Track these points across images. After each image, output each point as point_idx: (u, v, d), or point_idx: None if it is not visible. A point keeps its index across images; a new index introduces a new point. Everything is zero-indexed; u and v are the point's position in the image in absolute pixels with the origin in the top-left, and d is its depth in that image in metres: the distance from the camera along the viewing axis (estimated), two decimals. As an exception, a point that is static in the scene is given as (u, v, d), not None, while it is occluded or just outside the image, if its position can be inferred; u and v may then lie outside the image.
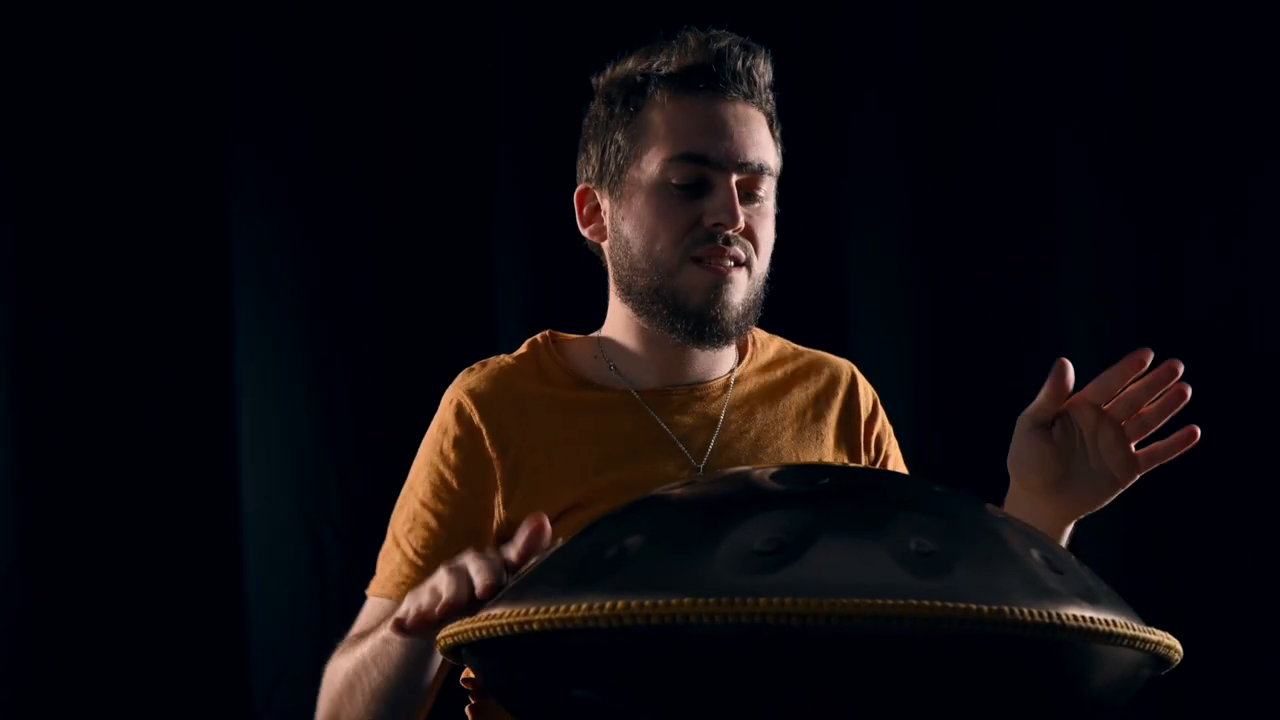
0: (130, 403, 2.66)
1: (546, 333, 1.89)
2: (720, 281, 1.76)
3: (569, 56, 2.78)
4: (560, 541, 1.34)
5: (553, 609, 1.17)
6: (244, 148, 2.71)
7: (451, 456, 1.78)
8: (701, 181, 1.76)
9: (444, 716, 1.90)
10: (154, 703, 2.62)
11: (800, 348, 1.95)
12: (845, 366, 1.94)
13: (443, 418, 1.82)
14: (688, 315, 1.77)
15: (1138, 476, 1.67)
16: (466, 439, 1.79)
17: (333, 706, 1.68)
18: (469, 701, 1.85)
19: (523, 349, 1.88)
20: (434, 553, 1.74)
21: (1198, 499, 2.83)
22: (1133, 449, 1.66)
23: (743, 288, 1.78)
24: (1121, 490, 1.68)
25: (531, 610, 1.18)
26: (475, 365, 1.86)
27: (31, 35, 2.63)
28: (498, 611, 1.21)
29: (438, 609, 1.38)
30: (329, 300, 2.75)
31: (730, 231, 1.75)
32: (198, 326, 2.68)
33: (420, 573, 1.73)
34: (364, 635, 1.69)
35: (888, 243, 2.88)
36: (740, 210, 1.76)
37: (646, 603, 1.13)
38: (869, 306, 2.86)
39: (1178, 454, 1.67)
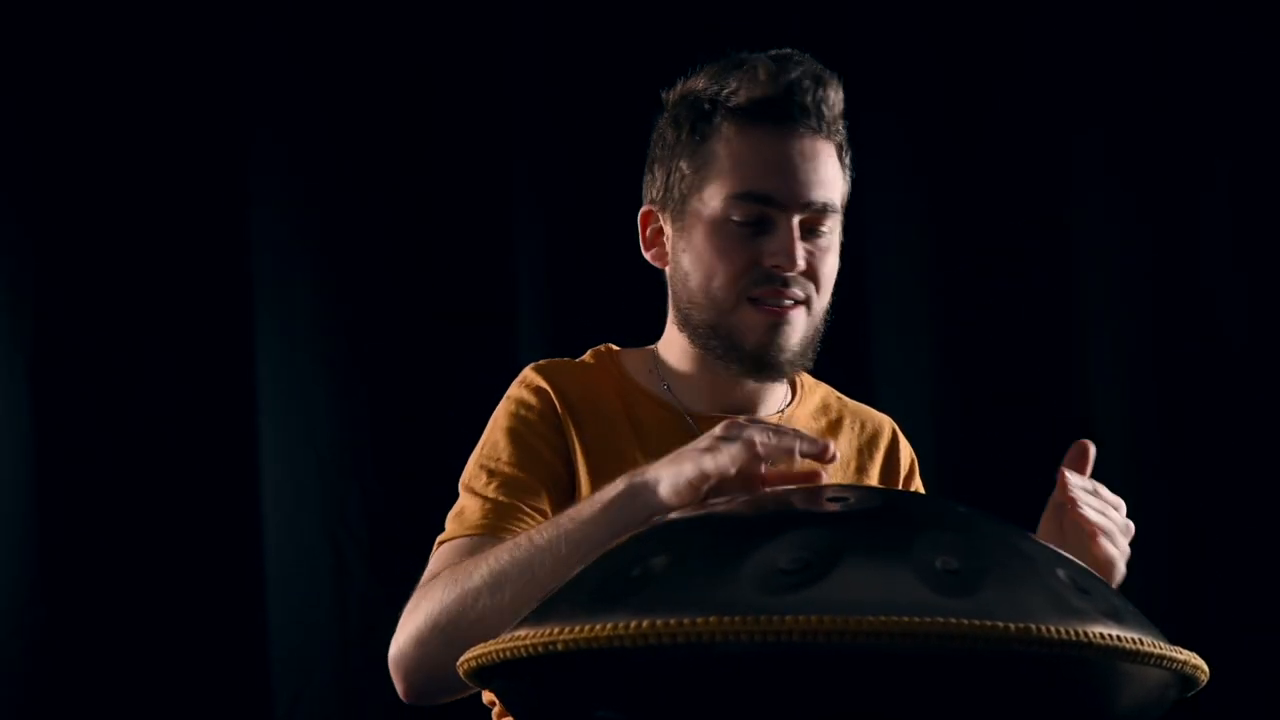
0: (151, 415, 2.66)
1: (606, 345, 1.89)
2: (778, 323, 1.74)
3: (585, 54, 2.80)
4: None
5: (577, 629, 1.17)
6: (263, 160, 2.71)
7: (533, 420, 1.76)
8: (763, 220, 1.73)
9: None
10: (176, 715, 2.62)
11: (844, 397, 1.93)
12: (887, 422, 1.92)
13: (516, 394, 1.79)
14: (743, 354, 1.76)
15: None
16: (545, 408, 1.77)
17: (454, 607, 1.57)
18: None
19: (587, 357, 1.87)
20: (517, 501, 1.71)
21: (1218, 511, 2.82)
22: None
23: (801, 326, 1.75)
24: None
25: (556, 631, 1.18)
26: (544, 360, 1.85)
27: (50, 41, 2.64)
28: (521, 633, 1.21)
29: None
30: (350, 313, 2.75)
31: (790, 273, 1.73)
32: (218, 337, 2.68)
33: (504, 516, 1.68)
34: (483, 551, 1.61)
35: (904, 242, 2.88)
36: (800, 250, 1.73)
37: (672, 622, 1.13)
38: (888, 308, 2.86)
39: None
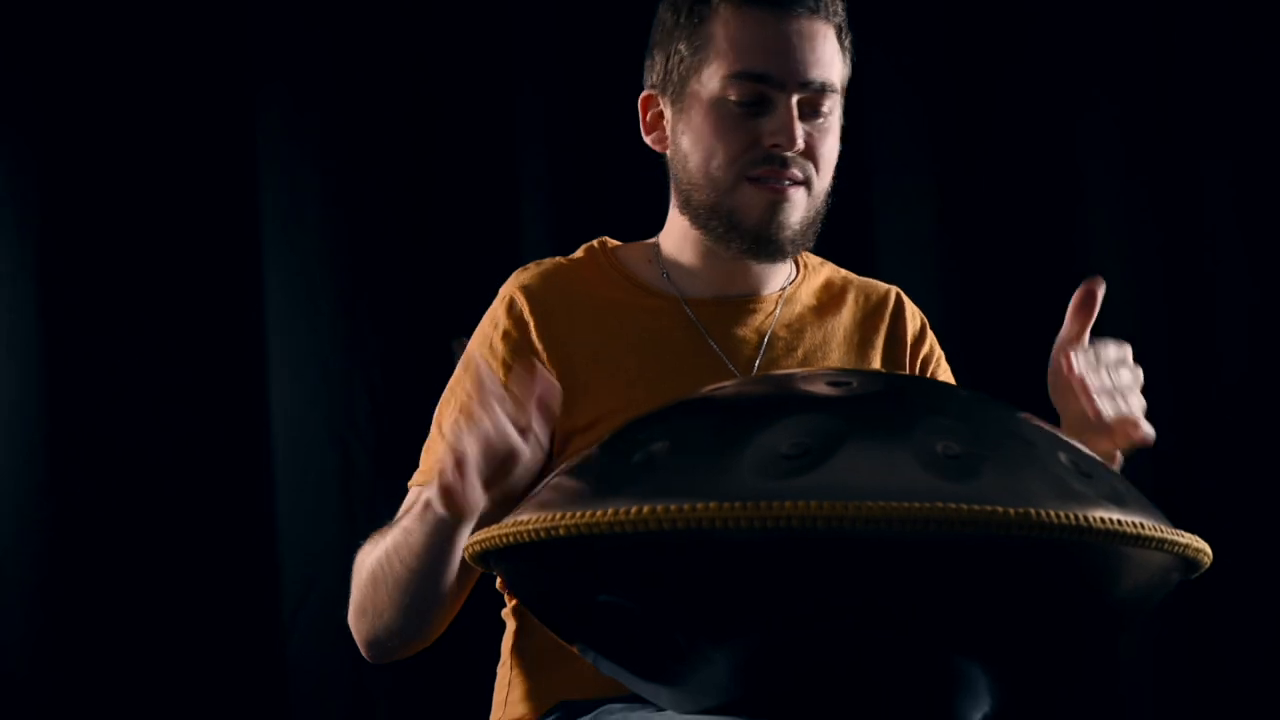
0: (158, 320, 2.66)
1: (601, 239, 1.89)
2: (778, 200, 1.74)
3: (591, 41, 2.79)
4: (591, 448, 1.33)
5: (579, 515, 1.17)
6: (270, 83, 2.70)
7: (500, 349, 1.77)
8: (762, 99, 1.74)
9: (480, 618, 1.91)
10: (186, 614, 2.63)
11: (849, 273, 1.94)
12: (892, 290, 1.92)
13: (494, 312, 1.81)
14: (743, 233, 1.76)
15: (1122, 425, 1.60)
16: (515, 332, 1.77)
17: (360, 596, 1.68)
18: (504, 605, 1.85)
19: (579, 253, 1.87)
20: None
21: (1228, 414, 2.82)
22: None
23: (801, 206, 1.76)
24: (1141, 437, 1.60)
25: (558, 516, 1.18)
26: (531, 264, 1.84)
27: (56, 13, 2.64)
28: (525, 518, 1.22)
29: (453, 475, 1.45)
30: (355, 216, 2.74)
31: (789, 153, 1.74)
32: (226, 245, 2.67)
33: None
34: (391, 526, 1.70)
35: (914, 223, 2.87)
36: (800, 130, 1.73)
37: (673, 507, 1.13)
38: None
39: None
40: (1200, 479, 2.83)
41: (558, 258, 1.86)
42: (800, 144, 1.73)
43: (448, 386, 1.81)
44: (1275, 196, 2.84)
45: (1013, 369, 2.78)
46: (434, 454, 1.76)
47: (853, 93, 1.84)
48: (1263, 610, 2.80)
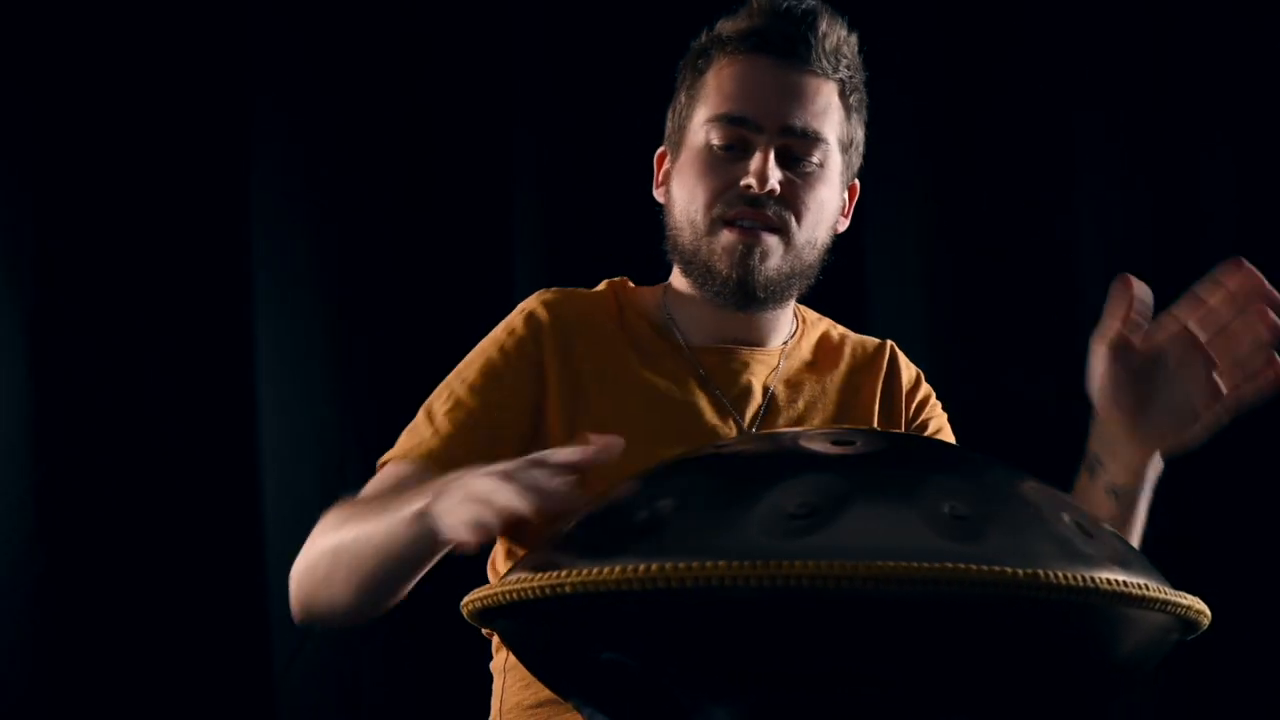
0: (149, 376, 2.65)
1: (622, 278, 1.89)
2: (751, 244, 1.75)
3: (586, 23, 2.80)
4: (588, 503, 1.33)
5: (585, 572, 1.17)
6: (264, 124, 2.70)
7: (511, 352, 1.76)
8: (743, 143, 1.75)
9: (467, 670, 1.91)
10: (176, 671, 2.62)
11: (845, 330, 1.94)
12: (886, 344, 1.93)
13: (511, 321, 1.80)
14: (719, 278, 1.77)
15: (1223, 412, 1.56)
16: (529, 341, 1.77)
17: (314, 559, 1.64)
18: (491, 657, 1.85)
19: (601, 287, 1.88)
20: (465, 435, 1.71)
21: (1226, 464, 2.82)
22: (1218, 380, 1.55)
23: (776, 254, 1.76)
24: (1207, 426, 1.57)
25: (564, 574, 1.18)
26: (554, 288, 1.85)
27: (49, 15, 2.64)
28: (528, 575, 1.21)
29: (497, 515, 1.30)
30: (348, 272, 2.75)
31: (761, 194, 1.74)
32: (217, 299, 2.68)
33: (445, 447, 1.70)
34: (369, 501, 1.63)
35: (905, 227, 2.88)
36: (774, 173, 1.73)
37: (680, 565, 1.13)
38: (887, 292, 2.86)
39: (1267, 392, 1.55)
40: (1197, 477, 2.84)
41: (579, 288, 1.87)
42: (773, 186, 1.73)
43: (444, 382, 1.78)
44: (1276, 194, 2.85)
45: (1006, 375, 2.82)
46: (417, 435, 1.73)
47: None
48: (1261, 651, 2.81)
